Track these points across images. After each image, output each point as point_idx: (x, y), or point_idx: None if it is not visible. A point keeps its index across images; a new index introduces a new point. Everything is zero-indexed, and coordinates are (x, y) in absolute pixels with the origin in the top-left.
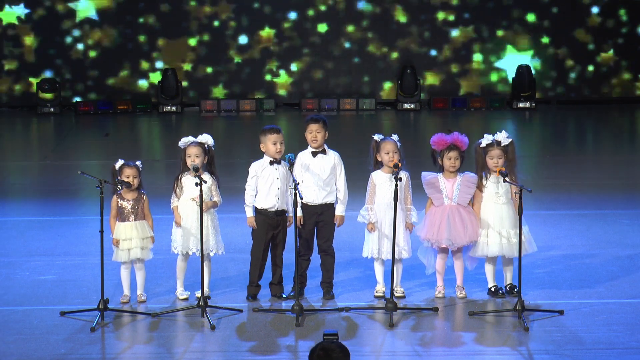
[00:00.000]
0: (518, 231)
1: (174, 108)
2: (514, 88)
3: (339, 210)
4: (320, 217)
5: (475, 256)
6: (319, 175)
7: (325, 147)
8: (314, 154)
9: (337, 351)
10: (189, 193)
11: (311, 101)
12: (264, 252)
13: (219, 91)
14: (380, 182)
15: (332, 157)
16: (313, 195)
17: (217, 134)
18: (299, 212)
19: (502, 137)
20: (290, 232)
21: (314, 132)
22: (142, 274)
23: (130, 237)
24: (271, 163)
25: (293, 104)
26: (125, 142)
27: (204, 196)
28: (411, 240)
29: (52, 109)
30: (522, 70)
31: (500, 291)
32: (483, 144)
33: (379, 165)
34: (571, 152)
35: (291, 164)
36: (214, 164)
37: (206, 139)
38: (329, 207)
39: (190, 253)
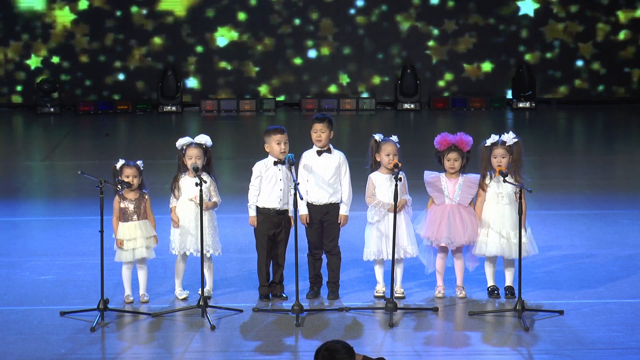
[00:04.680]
0: (518, 232)
1: (174, 108)
2: (514, 88)
3: (343, 210)
4: (325, 217)
5: (475, 255)
6: (323, 174)
7: (331, 146)
8: (319, 153)
9: (342, 352)
10: (187, 194)
11: (311, 101)
12: (267, 251)
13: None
14: (380, 183)
15: (337, 157)
16: (318, 194)
17: (217, 134)
18: (305, 211)
19: (508, 137)
20: (292, 231)
21: (318, 132)
22: (144, 273)
23: (134, 236)
24: (275, 163)
25: (293, 104)
26: (125, 142)
27: (203, 196)
28: (416, 239)
29: (52, 109)
30: (522, 70)
31: (496, 291)
32: (488, 144)
33: (376, 165)
34: (571, 152)
35: (291, 164)
36: (211, 164)
37: (205, 139)
38: (334, 207)
39: (187, 253)
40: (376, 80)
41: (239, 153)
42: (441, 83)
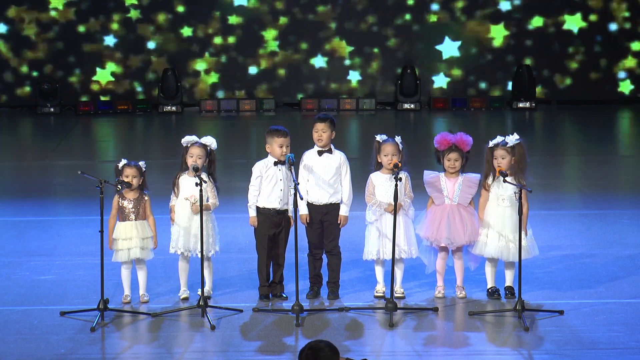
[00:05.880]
0: (518, 233)
1: (174, 108)
2: (513, 88)
3: (343, 211)
4: (325, 217)
5: (474, 254)
6: (324, 174)
7: (332, 146)
8: (320, 153)
9: (325, 350)
10: (184, 193)
11: (311, 101)
12: (267, 251)
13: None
14: (379, 182)
15: (338, 157)
16: (318, 194)
17: (217, 134)
18: (305, 210)
19: (511, 138)
20: (292, 231)
21: (320, 132)
22: (143, 273)
23: (130, 236)
24: (275, 164)
25: (293, 104)
26: (125, 142)
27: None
28: (417, 241)
29: (52, 109)
30: (522, 70)
31: (497, 293)
32: (490, 145)
33: (379, 166)
34: (571, 152)
35: (291, 164)
36: (214, 167)
37: (210, 141)
38: (334, 207)
39: (179, 252)
40: (374, 66)
41: (238, 153)
42: (441, 72)
